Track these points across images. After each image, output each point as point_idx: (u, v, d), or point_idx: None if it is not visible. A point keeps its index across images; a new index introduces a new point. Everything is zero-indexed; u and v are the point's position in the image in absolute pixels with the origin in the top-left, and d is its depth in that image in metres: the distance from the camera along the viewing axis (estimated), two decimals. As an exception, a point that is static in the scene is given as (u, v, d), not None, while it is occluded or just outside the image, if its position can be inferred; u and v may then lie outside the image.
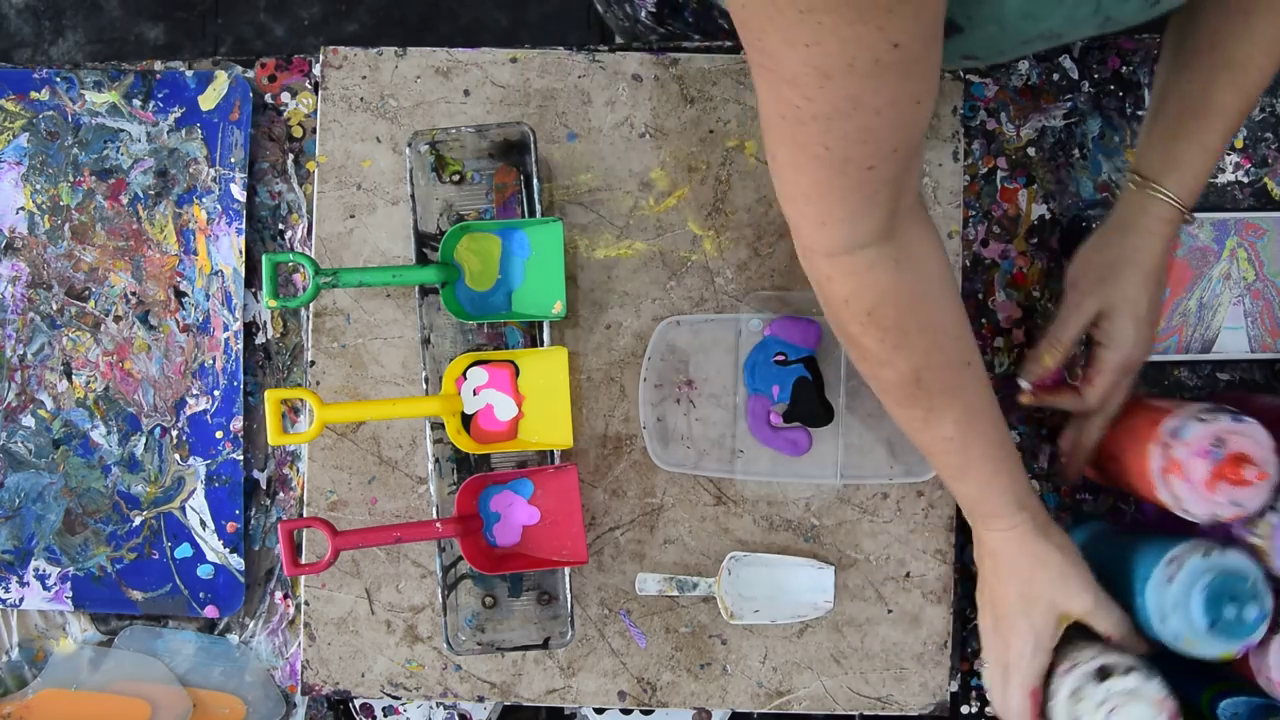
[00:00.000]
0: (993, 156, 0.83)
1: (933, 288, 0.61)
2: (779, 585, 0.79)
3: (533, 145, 0.75)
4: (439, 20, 1.71)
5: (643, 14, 0.95)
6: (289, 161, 0.85)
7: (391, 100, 0.82)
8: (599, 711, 0.83)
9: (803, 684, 0.80)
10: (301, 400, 0.78)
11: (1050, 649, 0.66)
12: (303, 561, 0.74)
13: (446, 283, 0.76)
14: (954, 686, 0.82)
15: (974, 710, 0.82)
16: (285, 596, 0.83)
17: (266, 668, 0.83)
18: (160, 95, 0.83)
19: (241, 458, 0.81)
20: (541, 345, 0.78)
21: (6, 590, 0.82)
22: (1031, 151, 0.82)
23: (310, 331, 0.82)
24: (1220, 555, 0.65)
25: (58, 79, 0.83)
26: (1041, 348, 0.74)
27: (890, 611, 0.80)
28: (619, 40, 1.12)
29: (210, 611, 0.81)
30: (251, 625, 0.83)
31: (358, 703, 0.83)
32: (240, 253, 0.82)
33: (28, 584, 0.82)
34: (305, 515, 0.81)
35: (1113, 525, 0.80)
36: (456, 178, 0.80)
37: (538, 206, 0.76)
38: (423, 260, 0.77)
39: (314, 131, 0.83)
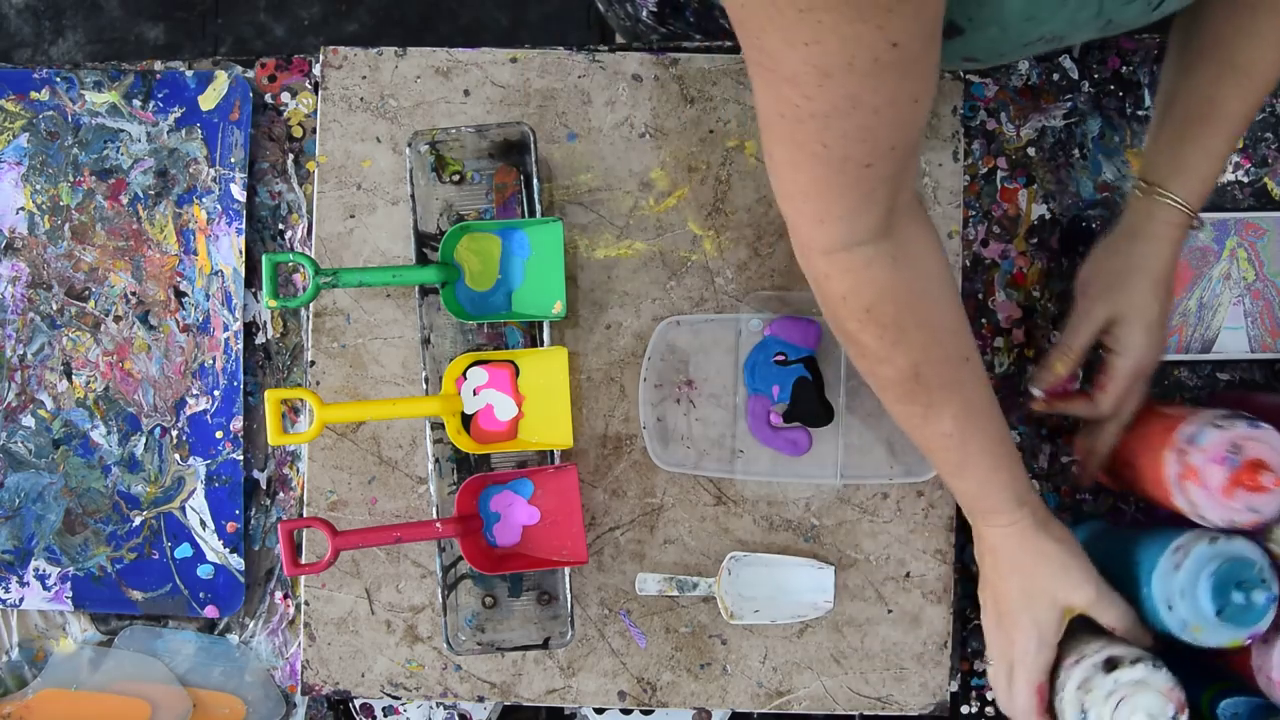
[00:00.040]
0: (993, 156, 0.83)
1: (930, 284, 0.61)
2: (779, 585, 0.79)
3: (533, 145, 0.75)
4: (439, 20, 1.71)
5: (644, 13, 0.95)
6: (289, 161, 0.85)
7: (391, 100, 0.82)
8: (599, 711, 0.83)
9: (803, 684, 0.80)
10: (301, 400, 0.78)
11: (1054, 644, 0.66)
12: (303, 561, 0.74)
13: (446, 283, 0.76)
14: (954, 686, 0.82)
15: (974, 710, 0.82)
16: (285, 596, 0.83)
17: (266, 668, 0.83)
18: (160, 95, 0.83)
19: (241, 458, 0.81)
20: (541, 345, 0.78)
21: (6, 590, 0.82)
22: (1031, 151, 0.82)
23: (310, 331, 0.82)
24: (1227, 542, 0.65)
25: (58, 79, 0.83)
26: (1053, 355, 0.74)
27: (890, 611, 0.80)
28: (619, 40, 1.12)
29: (210, 611, 0.81)
30: (251, 625, 0.83)
31: (358, 703, 0.83)
32: (240, 253, 0.82)
33: (28, 584, 0.82)
34: (305, 515, 0.81)
35: (1114, 523, 0.80)
36: (456, 178, 0.80)
37: (538, 206, 0.76)
38: (423, 260, 0.77)
39: (314, 131, 0.83)
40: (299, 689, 0.81)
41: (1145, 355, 0.70)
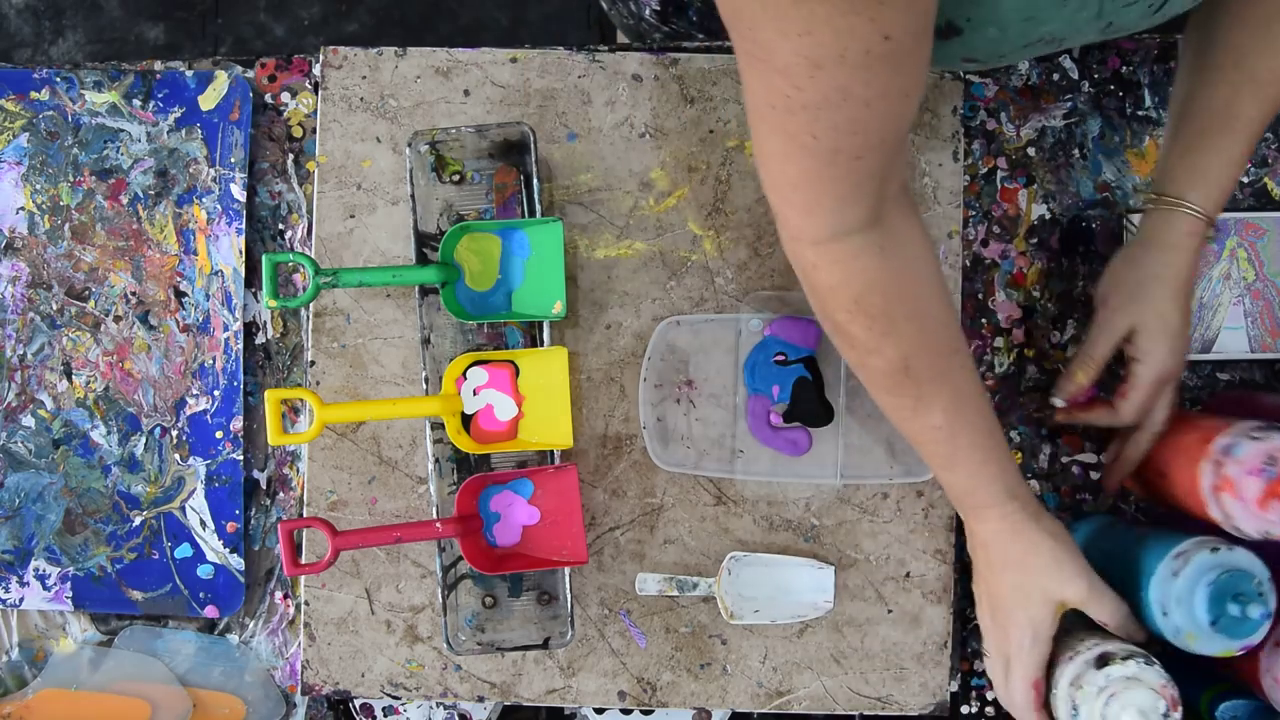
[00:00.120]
0: (993, 156, 0.83)
1: (919, 275, 0.61)
2: (779, 585, 0.79)
3: (533, 145, 0.75)
4: (439, 20, 1.71)
5: (647, 11, 0.95)
6: (289, 161, 0.85)
7: (391, 100, 0.82)
8: (599, 711, 0.83)
9: (803, 684, 0.80)
10: (301, 400, 0.78)
11: (1049, 638, 0.66)
12: (303, 561, 0.74)
13: (446, 283, 0.76)
14: (954, 686, 0.82)
15: (974, 710, 0.82)
16: (285, 596, 0.83)
17: (266, 668, 0.83)
18: (160, 95, 0.83)
19: (241, 458, 0.81)
20: (541, 345, 0.78)
21: (6, 590, 0.82)
22: (1031, 151, 0.82)
23: (310, 331, 0.82)
24: (1228, 552, 0.65)
25: (58, 79, 0.83)
26: (1074, 365, 0.74)
27: (890, 611, 0.80)
28: (621, 39, 1.12)
29: (210, 611, 0.81)
30: (251, 625, 0.83)
31: (358, 703, 0.83)
32: (240, 253, 0.82)
33: (28, 584, 0.82)
34: (305, 515, 0.81)
35: (1118, 519, 0.80)
36: (456, 178, 0.80)
37: (538, 206, 0.76)
38: (423, 260, 0.77)
39: (314, 131, 0.83)
40: (299, 689, 0.81)
41: (1168, 363, 0.71)
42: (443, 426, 0.76)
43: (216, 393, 0.82)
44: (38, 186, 0.83)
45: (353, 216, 0.81)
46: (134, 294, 0.83)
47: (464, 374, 0.76)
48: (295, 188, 0.84)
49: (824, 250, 0.59)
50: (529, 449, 0.77)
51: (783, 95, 0.50)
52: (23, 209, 0.83)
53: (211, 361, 0.82)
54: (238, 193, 0.82)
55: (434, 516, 0.77)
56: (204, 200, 0.83)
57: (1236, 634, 0.64)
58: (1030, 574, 0.66)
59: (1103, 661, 0.63)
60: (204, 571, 0.81)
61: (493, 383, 0.76)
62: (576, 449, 0.81)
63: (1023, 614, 0.66)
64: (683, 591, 0.79)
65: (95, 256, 0.83)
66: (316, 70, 0.84)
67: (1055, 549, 0.66)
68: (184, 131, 0.83)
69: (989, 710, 0.82)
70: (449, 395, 0.75)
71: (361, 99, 0.82)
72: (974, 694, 0.82)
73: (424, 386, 0.77)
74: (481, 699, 0.81)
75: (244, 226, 0.82)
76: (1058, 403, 0.76)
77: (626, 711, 0.83)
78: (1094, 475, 0.81)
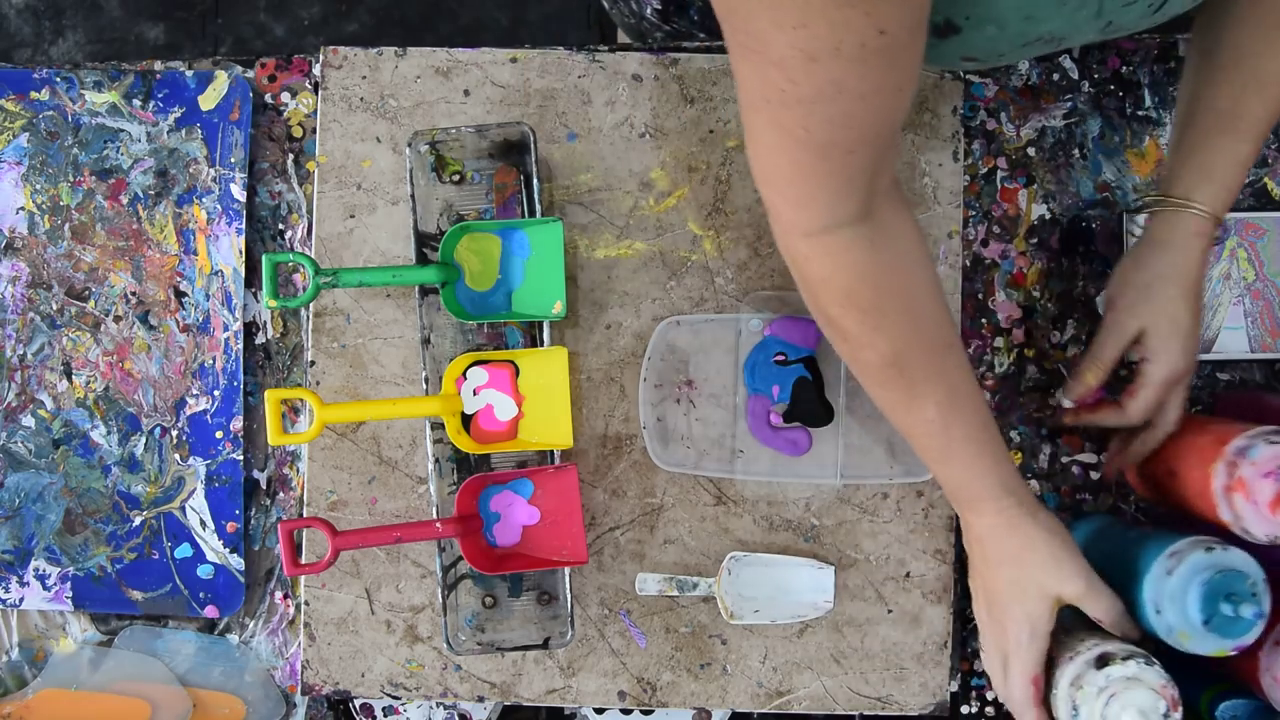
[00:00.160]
0: (993, 156, 0.83)
1: (910, 269, 0.61)
2: (779, 585, 0.79)
3: (533, 145, 0.75)
4: (439, 20, 1.71)
5: (648, 10, 0.95)
6: (289, 161, 0.85)
7: (391, 100, 0.82)
8: (599, 711, 0.83)
9: (803, 684, 0.80)
10: (301, 400, 0.78)
11: (1047, 633, 0.66)
12: (303, 561, 0.74)
13: (446, 283, 0.76)
14: (954, 686, 0.82)
15: (974, 710, 0.82)
16: (285, 596, 0.83)
17: (266, 668, 0.83)
18: (160, 95, 0.83)
19: (241, 458, 0.81)
20: (541, 345, 0.78)
21: (6, 590, 0.82)
22: (1031, 151, 0.82)
23: (310, 331, 0.82)
24: (1223, 552, 0.65)
25: (58, 79, 0.83)
26: (1083, 366, 0.74)
27: (890, 611, 0.80)
28: (623, 38, 1.12)
29: (210, 611, 0.81)
30: (251, 625, 0.83)
31: (358, 703, 0.83)
32: (240, 253, 0.82)
33: (28, 584, 0.82)
34: (305, 515, 0.81)
35: (1117, 518, 0.80)
36: (456, 178, 0.80)
37: (538, 206, 0.76)
38: (423, 260, 0.77)
39: (314, 131, 0.83)
40: (299, 689, 0.81)
41: (1178, 363, 0.71)
42: (443, 426, 0.76)
43: (216, 393, 0.82)
44: (38, 186, 0.83)
45: (353, 216, 0.81)
46: (134, 294, 0.83)
47: (464, 374, 0.76)
48: (295, 188, 0.84)
49: (815, 242, 0.59)
50: (529, 449, 0.77)
51: (777, 88, 0.50)
52: (23, 209, 0.83)
53: (211, 361, 0.82)
54: (238, 193, 0.82)
55: (434, 516, 0.77)
56: (204, 200, 0.83)
57: (1229, 634, 0.64)
58: (1027, 569, 0.66)
59: (1103, 661, 0.63)
60: (204, 571, 0.81)
61: (493, 383, 0.76)
62: (576, 449, 0.81)
63: (1019, 609, 0.66)
64: (683, 591, 0.79)
65: (95, 256, 0.83)
66: (316, 70, 0.84)
67: (1052, 544, 0.66)
68: (184, 131, 0.83)
69: (989, 710, 0.82)
70: (449, 395, 0.75)
71: (361, 99, 0.82)
72: (974, 694, 0.82)
73: (424, 386, 0.77)
74: (481, 699, 0.81)
75: (244, 226, 0.82)
76: (1066, 404, 0.76)
77: (626, 711, 0.83)
78: (1094, 475, 0.81)
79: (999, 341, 0.82)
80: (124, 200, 0.83)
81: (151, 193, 0.83)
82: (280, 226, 0.84)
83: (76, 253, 0.83)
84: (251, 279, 0.83)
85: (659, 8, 0.94)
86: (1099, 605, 0.66)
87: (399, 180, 0.81)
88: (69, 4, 1.71)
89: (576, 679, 0.81)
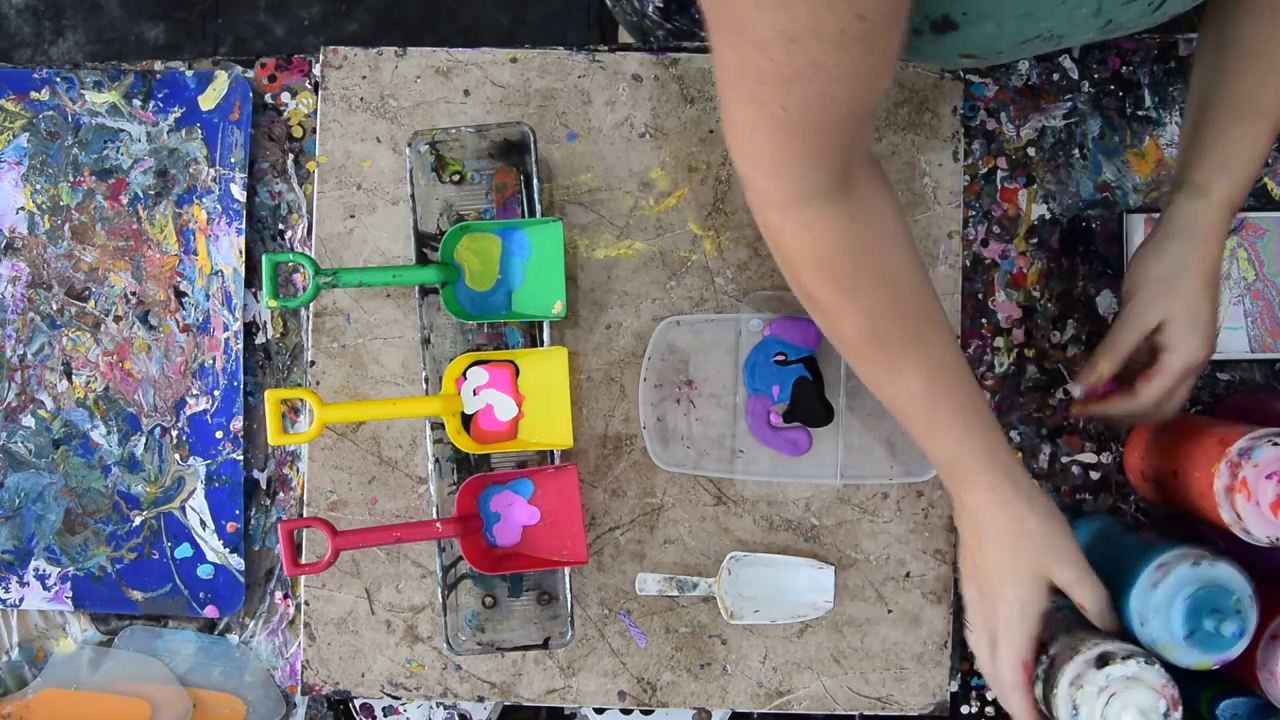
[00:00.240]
0: (993, 156, 0.83)
1: (887, 240, 0.61)
2: (779, 585, 0.79)
3: (533, 145, 0.75)
4: (439, 20, 1.71)
5: (650, 8, 0.95)
6: (289, 161, 0.85)
7: (391, 100, 0.82)
8: (599, 711, 0.83)
9: (803, 684, 0.80)
10: (301, 400, 0.78)
11: (1038, 616, 0.65)
12: (303, 561, 0.74)
13: (446, 283, 0.76)
14: (954, 686, 0.82)
15: (974, 710, 0.82)
16: (285, 596, 0.83)
17: (266, 668, 0.83)
18: (160, 95, 0.83)
19: (241, 458, 0.81)
20: (541, 345, 0.78)
21: (6, 590, 0.82)
22: (1031, 151, 0.82)
23: (310, 331, 0.82)
24: (1210, 566, 0.65)
25: (58, 79, 0.83)
26: (1097, 356, 0.74)
27: (890, 611, 0.80)
28: (623, 37, 1.13)
29: (210, 611, 0.81)
30: (251, 625, 0.83)
31: (358, 703, 0.83)
32: (240, 253, 0.82)
33: (28, 584, 0.82)
34: (305, 515, 0.81)
35: (1117, 519, 0.80)
36: (456, 178, 0.80)
37: (538, 206, 0.76)
38: (423, 260, 0.77)
39: (314, 131, 0.83)
40: (299, 689, 0.81)
41: (1198, 352, 0.71)
42: (443, 426, 0.76)
43: (216, 393, 0.82)
44: (38, 186, 0.83)
45: (353, 216, 0.81)
46: (134, 294, 0.83)
47: (464, 374, 0.76)
48: (295, 188, 0.84)
49: (789, 214, 0.59)
50: (529, 449, 0.77)
51: (755, 66, 0.51)
52: (23, 209, 0.83)
53: (211, 361, 0.82)
54: (238, 193, 0.82)
55: (434, 516, 0.77)
56: (204, 200, 0.83)
57: (1211, 648, 0.64)
58: (1020, 551, 0.65)
59: (1103, 661, 0.63)
60: (204, 571, 0.81)
61: (493, 383, 0.76)
62: (576, 449, 0.81)
63: (1011, 590, 0.65)
64: (683, 591, 0.79)
65: (95, 256, 0.83)
66: (316, 70, 0.84)
67: (1047, 527, 0.65)
68: (184, 131, 0.83)
69: (989, 710, 0.82)
70: (449, 395, 0.75)
71: (361, 99, 0.82)
72: (974, 694, 0.82)
73: (424, 386, 0.77)
74: (481, 699, 0.81)
75: (244, 226, 0.82)
76: (1076, 393, 0.76)
77: (626, 711, 0.83)
78: (1094, 475, 0.82)
79: (999, 341, 0.82)
80: (124, 200, 0.83)
81: (151, 193, 0.83)
82: (280, 226, 0.84)
83: (76, 253, 0.83)
84: (251, 279, 0.83)
85: (661, 6, 0.94)
86: (1085, 594, 0.65)
87: (399, 180, 0.81)
88: (69, 4, 1.71)
89: (576, 679, 0.81)
